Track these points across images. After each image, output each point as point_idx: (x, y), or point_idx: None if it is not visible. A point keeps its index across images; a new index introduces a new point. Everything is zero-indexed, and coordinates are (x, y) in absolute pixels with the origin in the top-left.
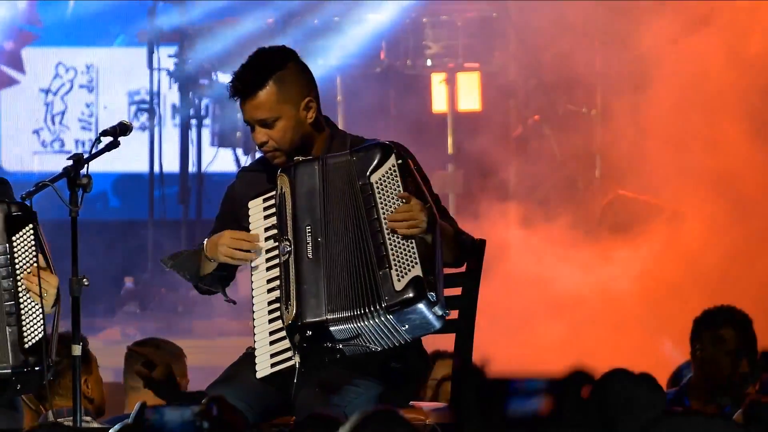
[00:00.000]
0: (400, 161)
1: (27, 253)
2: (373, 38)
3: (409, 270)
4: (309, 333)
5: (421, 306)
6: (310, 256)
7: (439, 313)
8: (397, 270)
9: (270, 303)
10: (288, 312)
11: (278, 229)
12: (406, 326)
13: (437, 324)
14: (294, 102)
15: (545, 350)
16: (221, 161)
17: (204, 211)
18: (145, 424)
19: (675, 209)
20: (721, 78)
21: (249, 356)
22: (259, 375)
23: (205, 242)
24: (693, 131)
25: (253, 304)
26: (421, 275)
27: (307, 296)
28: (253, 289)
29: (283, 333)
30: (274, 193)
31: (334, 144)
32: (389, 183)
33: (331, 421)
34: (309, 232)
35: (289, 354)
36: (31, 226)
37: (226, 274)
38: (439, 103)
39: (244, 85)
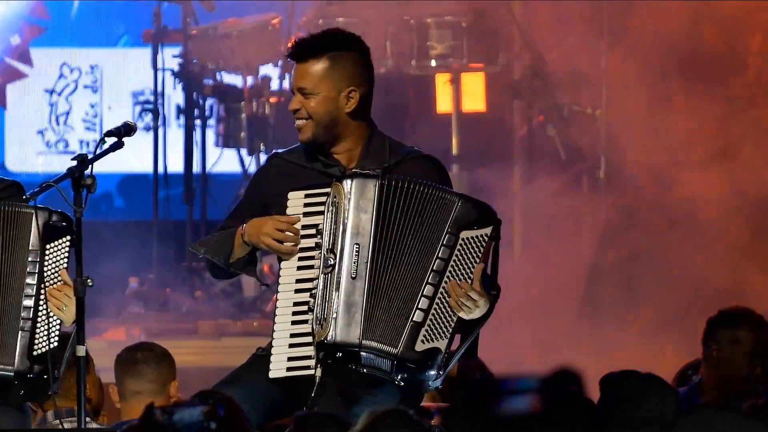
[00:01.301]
0: (494, 234)
1: (57, 264)
2: (377, 39)
3: (437, 339)
4: (339, 354)
5: (426, 375)
6: (353, 275)
7: (436, 385)
8: (426, 332)
9: (296, 304)
10: (322, 329)
11: (324, 239)
12: (400, 377)
13: (428, 388)
14: (337, 85)
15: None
16: (226, 162)
17: (209, 212)
18: (153, 424)
19: (681, 208)
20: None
21: (258, 358)
22: (272, 375)
23: (243, 226)
24: (703, 129)
25: (277, 299)
26: (443, 350)
27: (344, 317)
28: (279, 284)
29: (305, 339)
30: (320, 191)
31: (371, 144)
32: (474, 248)
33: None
34: (356, 251)
35: (308, 363)
36: (68, 238)
37: (254, 259)
38: (443, 104)
39: (301, 49)
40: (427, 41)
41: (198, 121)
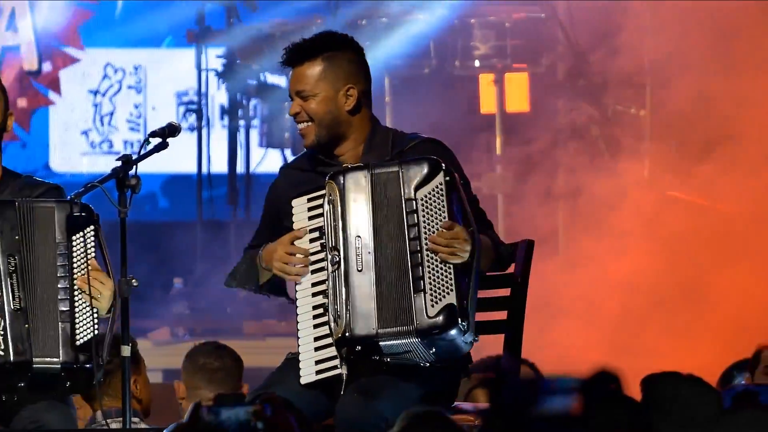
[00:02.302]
0: (447, 178)
1: (85, 254)
2: (421, 39)
3: (444, 296)
4: (359, 348)
5: (452, 333)
6: (359, 268)
7: (469, 339)
8: (431, 295)
9: (315, 308)
10: (338, 326)
11: (327, 238)
12: (433, 350)
13: (466, 349)
14: (335, 85)
15: (590, 346)
16: (270, 162)
17: (252, 212)
18: (200, 423)
19: (725, 209)
20: None
21: (290, 362)
22: (303, 381)
23: (260, 253)
24: (744, 127)
25: (296, 307)
26: (455, 303)
27: (357, 310)
28: (297, 291)
29: (328, 340)
30: (320, 193)
31: (374, 139)
32: (434, 201)
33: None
34: (359, 245)
35: (335, 363)
36: (92, 228)
37: (282, 279)
38: (487, 104)
39: (295, 53)
40: (470, 41)
41: (242, 122)
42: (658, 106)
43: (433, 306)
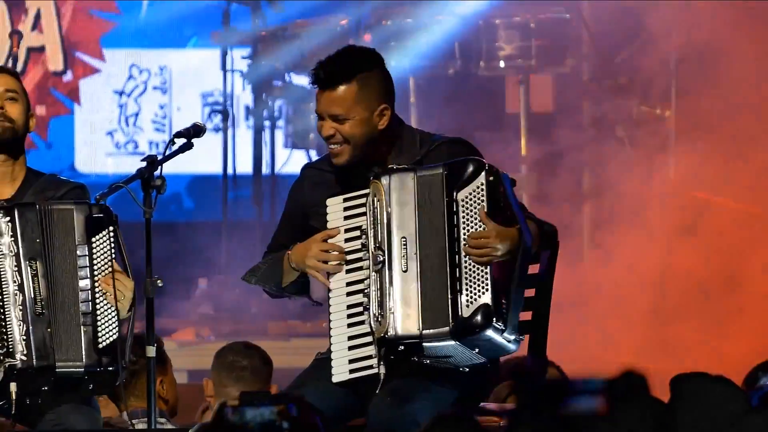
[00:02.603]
0: (491, 178)
1: (105, 256)
2: (446, 40)
3: (479, 297)
4: (401, 348)
5: (488, 333)
6: (404, 269)
7: (511, 338)
8: (467, 295)
9: (350, 307)
10: (380, 325)
11: (370, 238)
12: (477, 350)
13: (512, 347)
14: (370, 107)
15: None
16: (294, 163)
17: (277, 213)
18: (225, 423)
19: (751, 210)
20: None
21: (320, 362)
22: (335, 379)
23: (289, 252)
24: None
25: (329, 305)
26: (490, 303)
27: (401, 310)
28: (330, 290)
29: (365, 339)
30: (357, 194)
31: (402, 142)
32: (475, 202)
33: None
34: (404, 245)
35: (370, 362)
36: (111, 229)
37: (307, 279)
38: (512, 105)
39: (328, 76)
40: (495, 42)
41: (267, 122)
42: (683, 107)
43: (468, 306)
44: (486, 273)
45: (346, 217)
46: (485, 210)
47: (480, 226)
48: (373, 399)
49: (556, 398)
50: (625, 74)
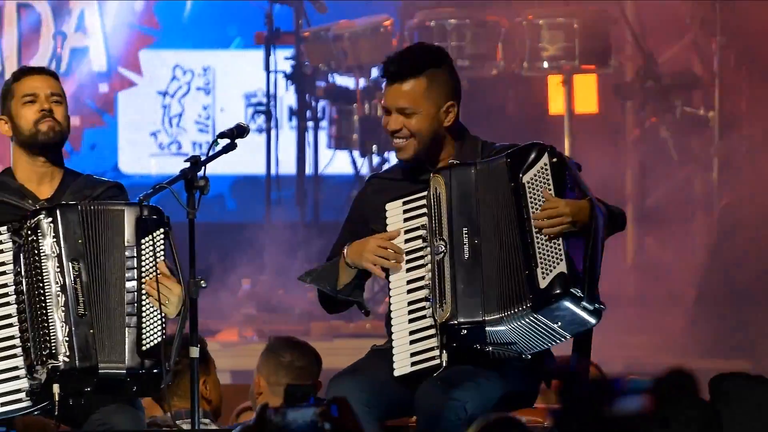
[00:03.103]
0: (554, 159)
1: (154, 258)
2: (490, 40)
3: (554, 267)
4: (464, 332)
5: (566, 303)
6: (467, 257)
7: (590, 307)
8: (542, 268)
9: (410, 303)
10: (443, 311)
11: (430, 229)
12: (559, 323)
13: (591, 319)
14: (437, 102)
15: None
16: (338, 163)
17: (321, 214)
18: (268, 425)
19: None
20: None
21: (376, 353)
22: (397, 373)
23: (345, 250)
24: None
25: (390, 303)
26: (566, 271)
27: (464, 296)
28: (390, 289)
29: (425, 333)
30: (416, 196)
31: (464, 148)
32: (540, 182)
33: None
34: (466, 234)
35: (432, 354)
36: (162, 230)
37: (362, 284)
38: (555, 106)
39: (398, 69)
40: (539, 43)
41: (310, 123)
42: (727, 108)
43: (544, 278)
44: (559, 245)
45: (406, 219)
46: (551, 189)
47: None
48: (421, 385)
49: (602, 398)
50: (668, 75)
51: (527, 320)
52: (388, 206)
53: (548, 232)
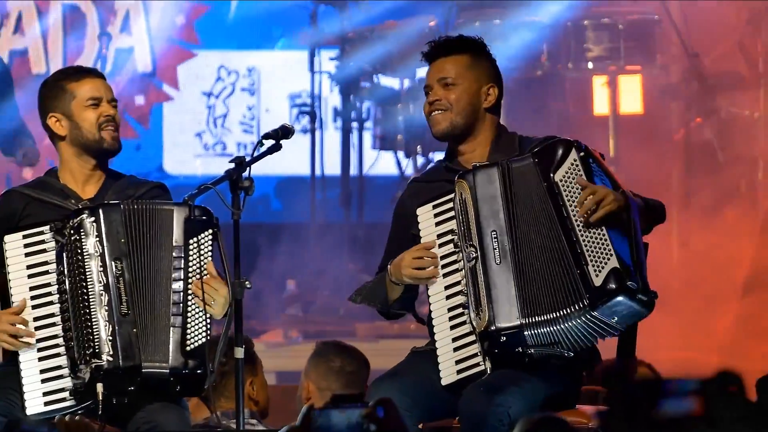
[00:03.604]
0: (582, 154)
1: (202, 258)
2: (535, 41)
3: (606, 262)
4: (503, 339)
5: (622, 297)
6: (498, 261)
7: (644, 298)
8: (593, 265)
9: (450, 309)
10: (480, 318)
11: (460, 236)
12: (615, 318)
13: (645, 309)
14: (478, 80)
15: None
16: (383, 164)
17: (365, 215)
18: (312, 426)
19: None
20: None
21: (416, 355)
22: (444, 382)
23: (388, 269)
24: None
25: (430, 311)
26: (619, 266)
27: (499, 302)
28: (429, 296)
29: (468, 339)
30: (445, 198)
31: (501, 141)
32: (573, 178)
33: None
34: (495, 238)
35: (476, 360)
36: (210, 231)
37: (413, 294)
38: (600, 106)
39: (442, 46)
40: (584, 43)
41: (355, 124)
42: None
43: (597, 275)
44: (606, 240)
45: (437, 223)
46: (585, 182)
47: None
48: (465, 391)
49: (649, 399)
50: (713, 76)
51: (583, 319)
52: (418, 211)
53: (596, 217)
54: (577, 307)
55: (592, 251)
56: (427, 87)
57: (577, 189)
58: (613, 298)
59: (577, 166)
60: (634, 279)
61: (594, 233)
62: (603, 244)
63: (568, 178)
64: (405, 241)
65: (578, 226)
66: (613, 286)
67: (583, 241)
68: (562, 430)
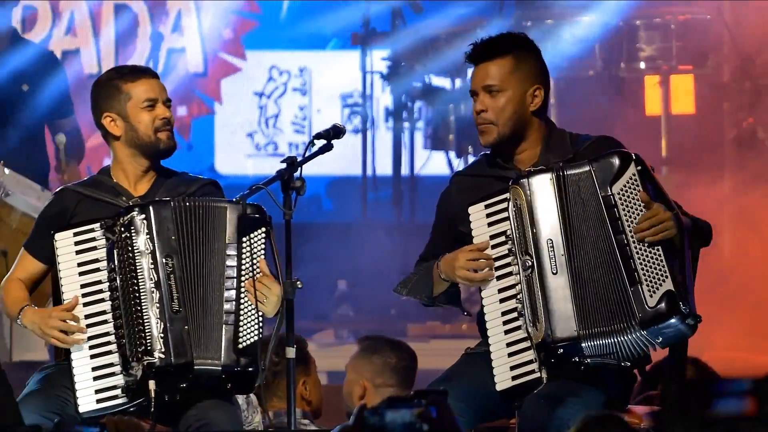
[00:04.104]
0: (639, 168)
1: (255, 256)
2: (587, 41)
3: (661, 284)
4: (560, 351)
5: (675, 320)
6: (554, 271)
7: (692, 322)
8: (648, 285)
9: (504, 313)
10: (537, 330)
11: (515, 242)
12: (660, 339)
13: (689, 332)
14: (523, 83)
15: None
16: (434, 164)
17: (417, 215)
18: (366, 425)
19: None
20: None
21: (469, 357)
22: (499, 388)
23: (438, 264)
24: None
25: (484, 314)
26: (673, 289)
27: (556, 313)
28: (482, 298)
29: (523, 345)
30: (498, 198)
31: (552, 140)
32: (631, 192)
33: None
34: (551, 247)
35: (531, 367)
36: (263, 229)
37: (458, 289)
38: (652, 106)
39: (485, 49)
40: (636, 43)
41: (406, 124)
42: None
43: (651, 296)
44: (661, 259)
45: (490, 224)
46: (641, 200)
47: (642, 213)
48: (525, 403)
49: (703, 399)
50: (766, 75)
51: (632, 336)
52: (470, 210)
53: (651, 240)
54: (626, 324)
55: (647, 270)
56: (472, 92)
57: (635, 204)
58: (666, 321)
59: (635, 180)
60: (685, 303)
61: (650, 252)
62: (659, 264)
63: (626, 191)
64: (448, 235)
65: (634, 242)
66: (667, 309)
67: (639, 258)
68: (620, 427)
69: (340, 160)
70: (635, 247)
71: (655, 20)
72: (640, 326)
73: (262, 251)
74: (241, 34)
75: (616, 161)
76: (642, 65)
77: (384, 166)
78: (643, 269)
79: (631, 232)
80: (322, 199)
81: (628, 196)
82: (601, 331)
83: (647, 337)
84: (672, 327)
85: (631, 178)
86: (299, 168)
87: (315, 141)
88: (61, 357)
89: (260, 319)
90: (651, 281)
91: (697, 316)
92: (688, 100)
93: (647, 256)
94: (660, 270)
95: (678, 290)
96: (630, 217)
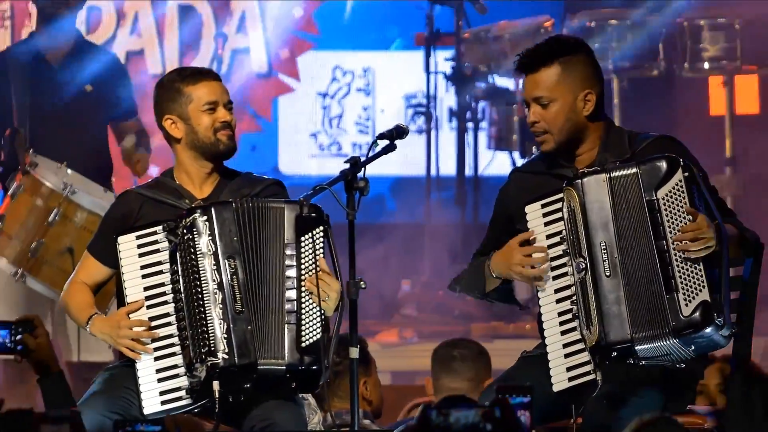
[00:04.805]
0: (686, 174)
1: (314, 255)
2: (651, 41)
3: (697, 294)
4: (614, 354)
5: (709, 331)
6: (608, 274)
7: (726, 333)
8: (684, 293)
9: (560, 314)
10: (591, 333)
11: (569, 244)
12: (692, 347)
13: (724, 343)
14: (573, 90)
15: None
16: (498, 164)
17: (480, 215)
18: (429, 425)
19: None
20: None
21: (526, 360)
22: (556, 388)
23: (488, 263)
24: None
25: (540, 314)
26: (709, 299)
27: (609, 316)
28: (539, 299)
29: (579, 346)
30: (554, 198)
31: (609, 139)
32: (676, 199)
33: None
34: (604, 249)
35: (588, 368)
36: (321, 228)
37: (510, 285)
38: (716, 106)
39: (530, 60)
40: (699, 43)
41: (470, 124)
42: None
43: (687, 305)
44: (700, 268)
45: (546, 223)
46: (687, 205)
47: (685, 222)
48: (587, 405)
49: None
50: None
51: (665, 342)
52: (527, 209)
53: (693, 254)
54: (661, 330)
55: (685, 278)
56: (525, 102)
57: (679, 211)
58: (699, 331)
59: (681, 186)
60: (720, 314)
61: (689, 261)
62: (696, 273)
63: (671, 197)
64: (504, 231)
65: (674, 249)
66: (701, 319)
67: (677, 265)
68: (674, 429)
69: (404, 161)
70: (675, 255)
71: (719, 20)
72: (672, 334)
73: (321, 249)
74: (297, 55)
75: (664, 165)
76: (706, 65)
77: (448, 167)
78: (680, 277)
79: (671, 239)
80: (386, 200)
81: (673, 202)
82: (651, 334)
83: (680, 345)
84: (705, 337)
85: (677, 184)
86: (363, 168)
87: (378, 141)
88: (126, 358)
89: (322, 317)
90: (687, 290)
91: (732, 327)
92: (752, 101)
93: (686, 264)
94: (697, 279)
95: (714, 300)
96: (672, 223)
